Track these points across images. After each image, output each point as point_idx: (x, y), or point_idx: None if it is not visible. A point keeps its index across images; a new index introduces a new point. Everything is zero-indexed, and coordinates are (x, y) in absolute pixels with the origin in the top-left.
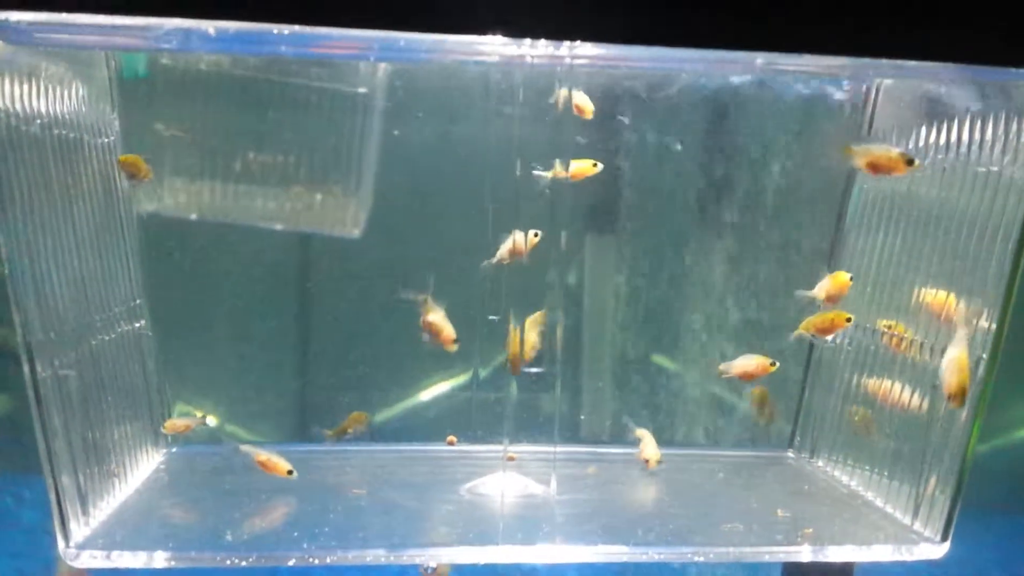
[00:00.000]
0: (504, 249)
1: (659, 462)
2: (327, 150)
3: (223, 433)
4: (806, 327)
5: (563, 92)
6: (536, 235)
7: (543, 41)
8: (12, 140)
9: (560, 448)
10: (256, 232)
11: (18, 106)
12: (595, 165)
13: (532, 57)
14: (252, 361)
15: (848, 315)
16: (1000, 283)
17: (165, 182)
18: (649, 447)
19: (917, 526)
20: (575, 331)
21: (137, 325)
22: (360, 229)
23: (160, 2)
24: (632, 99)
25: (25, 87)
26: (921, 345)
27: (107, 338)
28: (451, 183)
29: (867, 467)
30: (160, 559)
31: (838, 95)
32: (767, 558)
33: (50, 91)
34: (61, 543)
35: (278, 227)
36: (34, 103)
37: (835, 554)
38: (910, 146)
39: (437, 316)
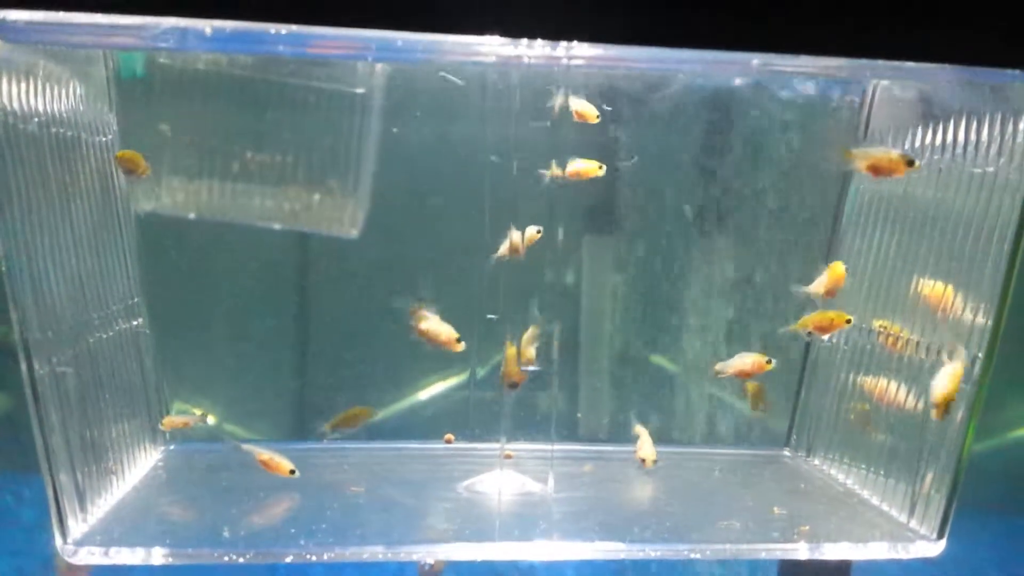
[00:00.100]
0: (505, 245)
1: (655, 461)
2: (325, 150)
3: (223, 432)
4: (804, 324)
5: (559, 99)
6: (538, 231)
7: (540, 41)
8: (10, 138)
9: (557, 446)
10: (254, 231)
11: (16, 104)
12: (600, 167)
13: (529, 57)
14: (250, 360)
15: (848, 316)
16: (996, 283)
17: (163, 181)
18: (646, 446)
19: (913, 524)
20: (572, 330)
21: (135, 323)
22: (358, 229)
23: (157, 1)
24: (629, 99)
25: (23, 85)
26: (917, 344)
27: (105, 336)
28: (449, 183)
29: (863, 465)
30: (158, 555)
31: (835, 96)
32: (763, 555)
33: (48, 90)
34: (59, 540)
35: (276, 227)
36: (32, 101)
37: (831, 551)
38: (906, 147)
39: (430, 323)
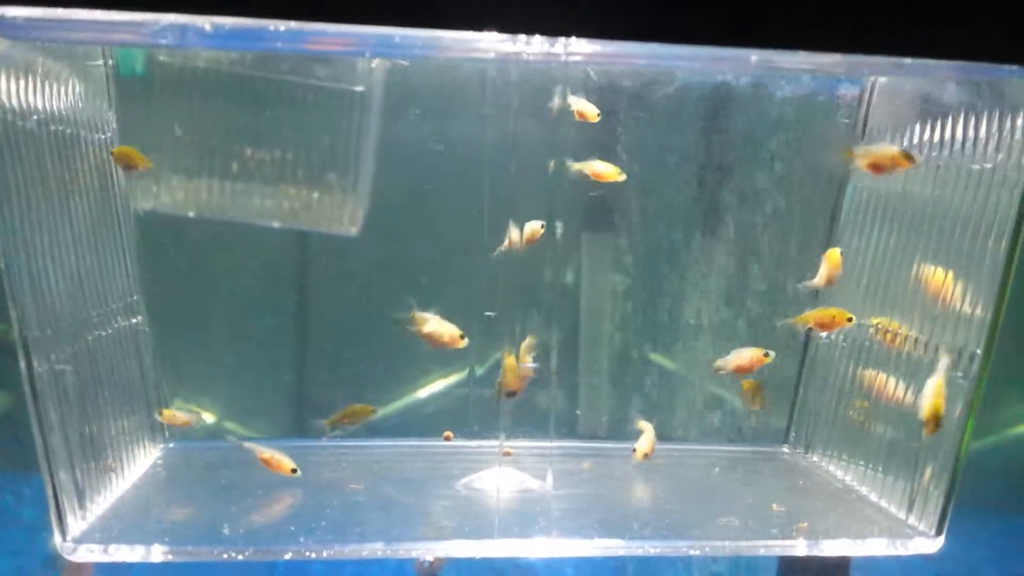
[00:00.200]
0: (508, 240)
1: (646, 455)
2: (324, 148)
3: (223, 430)
4: (805, 319)
5: (557, 100)
6: (542, 226)
7: (538, 37)
8: (9, 136)
9: (556, 443)
10: (254, 230)
11: (15, 102)
12: (620, 173)
13: (528, 54)
14: (249, 358)
15: (850, 315)
16: (994, 280)
17: (162, 179)
18: (642, 440)
19: (912, 520)
20: (572, 327)
21: (134, 321)
22: (357, 227)
23: None
24: (629, 96)
25: (22, 83)
26: (916, 340)
27: (104, 334)
28: (448, 181)
29: (862, 462)
30: (157, 553)
31: (834, 93)
32: (762, 552)
33: (47, 87)
34: (58, 538)
35: (275, 225)
36: (31, 99)
37: (830, 548)
38: (904, 144)
39: (431, 325)
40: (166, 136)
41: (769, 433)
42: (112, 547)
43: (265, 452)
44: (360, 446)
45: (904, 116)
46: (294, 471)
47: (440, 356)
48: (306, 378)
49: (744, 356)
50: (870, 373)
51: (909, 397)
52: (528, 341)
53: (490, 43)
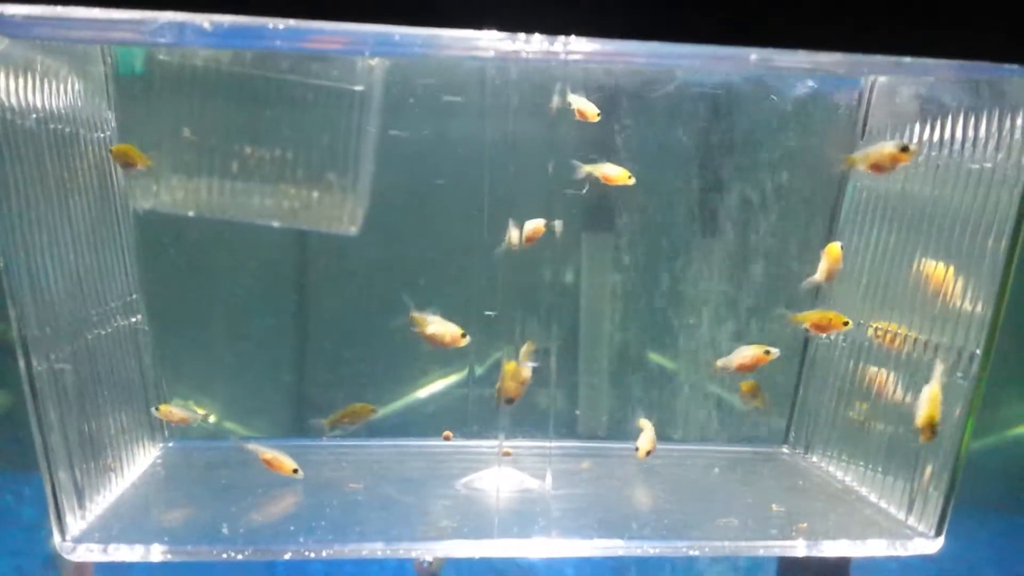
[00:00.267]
0: (512, 236)
1: (648, 453)
2: (324, 147)
3: (223, 429)
4: (802, 319)
5: (556, 99)
6: (545, 225)
7: (538, 36)
8: (8, 134)
9: (556, 443)
10: (253, 229)
11: (14, 100)
12: (630, 177)
13: (527, 52)
14: (249, 357)
15: (846, 319)
16: (994, 279)
17: (162, 178)
18: (642, 439)
19: (911, 521)
20: (571, 327)
21: (133, 320)
22: (357, 226)
23: None
24: (628, 96)
25: (21, 81)
26: (915, 341)
27: (103, 333)
28: (448, 180)
29: (861, 463)
30: (157, 552)
31: (833, 92)
32: (762, 552)
33: (46, 86)
34: (58, 537)
35: (275, 224)
36: (30, 97)
37: (830, 549)
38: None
39: (433, 326)
40: (165, 135)
41: (769, 433)
42: (111, 547)
43: (267, 453)
44: (360, 446)
45: (904, 116)
46: (295, 471)
47: (440, 356)
48: (306, 378)
49: (746, 354)
50: (870, 374)
51: (909, 398)
52: (527, 347)
53: (490, 41)
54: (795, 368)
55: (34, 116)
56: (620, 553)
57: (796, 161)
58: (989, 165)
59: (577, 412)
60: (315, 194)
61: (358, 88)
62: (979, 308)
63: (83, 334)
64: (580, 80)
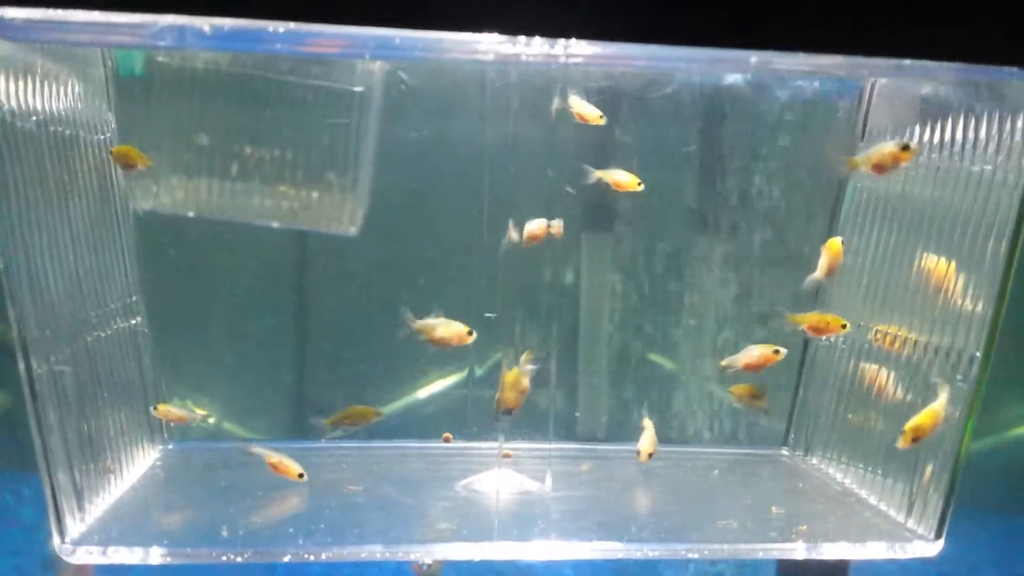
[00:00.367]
0: (522, 233)
1: (650, 455)
2: (324, 148)
3: (224, 431)
4: (800, 320)
5: (556, 103)
6: (549, 225)
7: (538, 39)
8: (8, 137)
9: (555, 445)
10: (253, 230)
11: (14, 102)
12: (639, 184)
13: (527, 55)
14: (249, 358)
15: (844, 322)
16: (994, 282)
17: (162, 180)
18: (644, 440)
19: (911, 524)
20: (571, 328)
21: (133, 322)
22: (357, 227)
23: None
24: (628, 98)
25: (21, 84)
26: (915, 343)
27: (103, 334)
28: (448, 181)
29: (861, 465)
30: (156, 555)
31: (833, 94)
32: (761, 555)
33: (46, 88)
34: (57, 539)
35: (275, 225)
36: (30, 100)
37: (829, 551)
38: None
39: (439, 330)
40: (166, 136)
41: (768, 435)
42: (111, 549)
43: (273, 456)
44: (359, 447)
45: (904, 118)
46: (301, 476)
47: (440, 357)
48: (306, 378)
49: (754, 353)
50: (870, 375)
51: (909, 399)
52: (525, 356)
53: (490, 45)
54: (795, 370)
55: (34, 118)
56: (620, 556)
57: (796, 163)
58: (989, 167)
59: (577, 414)
60: (315, 195)
61: (358, 89)
62: (979, 310)
63: (83, 336)
64: (580, 82)
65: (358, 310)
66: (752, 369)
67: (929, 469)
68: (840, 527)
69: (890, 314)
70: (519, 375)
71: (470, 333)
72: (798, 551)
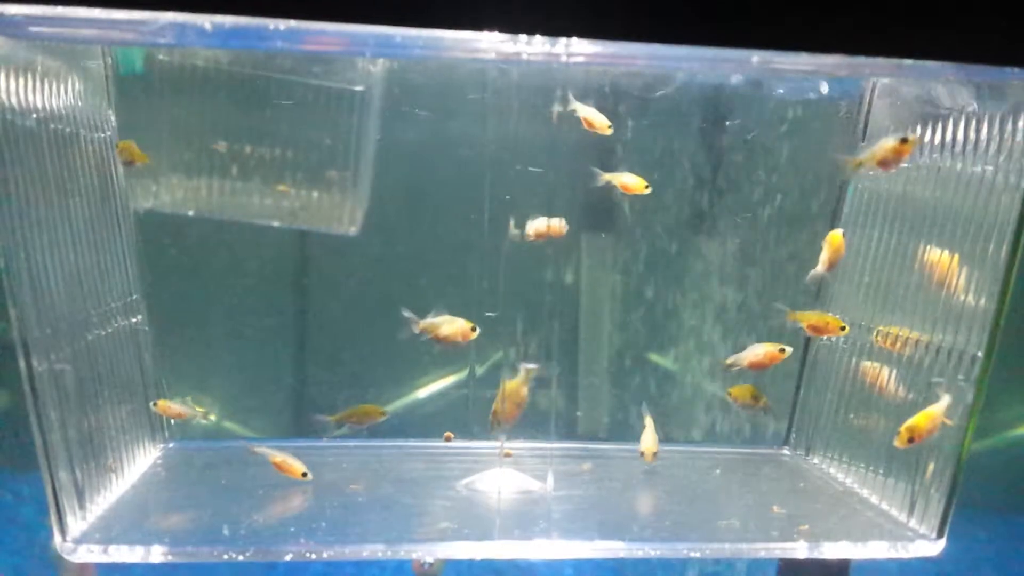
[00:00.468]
0: (531, 228)
1: (655, 455)
2: (324, 147)
3: (225, 430)
4: (800, 318)
5: (561, 106)
6: (550, 227)
7: (539, 38)
8: (8, 135)
9: (556, 444)
10: (253, 229)
11: (14, 100)
12: (646, 187)
13: (528, 54)
14: (249, 357)
15: (843, 324)
16: (995, 282)
17: (162, 178)
18: (647, 439)
19: (913, 523)
20: (572, 328)
21: (134, 320)
22: (357, 227)
23: None
24: (629, 97)
25: (21, 81)
26: (917, 342)
27: (103, 333)
28: (448, 181)
29: (862, 464)
30: (157, 553)
31: (834, 94)
32: (763, 554)
33: (46, 86)
34: (58, 538)
35: (275, 224)
36: (30, 97)
37: (831, 551)
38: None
39: (443, 328)
40: (166, 134)
41: (770, 435)
42: (112, 547)
43: (277, 456)
44: (360, 446)
45: (905, 118)
46: (304, 475)
47: (440, 357)
48: (306, 378)
49: (759, 352)
50: (871, 375)
51: (910, 399)
52: (524, 373)
53: (491, 43)
54: (796, 369)
55: (34, 116)
56: (621, 555)
57: (796, 163)
58: (991, 168)
59: (578, 413)
60: (315, 194)
61: (358, 88)
62: (981, 310)
63: (83, 334)
64: (581, 83)
65: (358, 310)
66: (757, 367)
67: (931, 468)
68: (842, 526)
69: (891, 314)
70: (518, 387)
71: (473, 329)
72: (799, 550)
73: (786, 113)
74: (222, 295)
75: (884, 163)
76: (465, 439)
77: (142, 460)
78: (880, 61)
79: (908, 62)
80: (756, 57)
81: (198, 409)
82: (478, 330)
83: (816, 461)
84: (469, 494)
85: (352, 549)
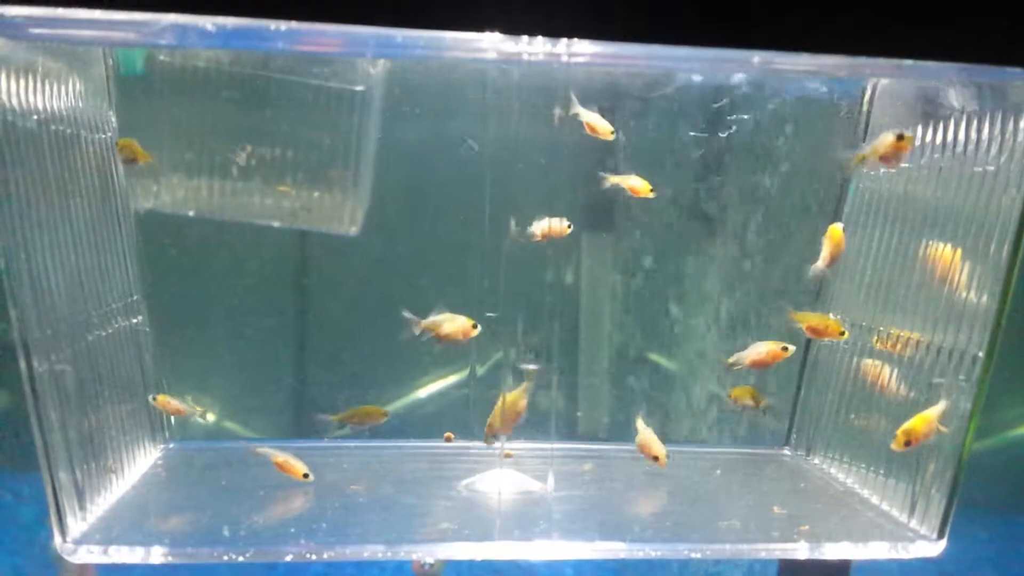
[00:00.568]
0: (538, 227)
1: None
2: (324, 148)
3: (225, 430)
4: (800, 318)
5: (558, 112)
6: (569, 226)
7: (540, 38)
8: (9, 136)
9: (557, 445)
10: (254, 229)
11: (15, 101)
12: (652, 190)
13: (529, 54)
14: (249, 357)
15: (843, 328)
16: (996, 282)
17: (162, 179)
18: (654, 445)
19: (913, 524)
20: (572, 328)
21: (134, 321)
22: (357, 227)
23: None
24: (627, 96)
25: (22, 82)
26: (918, 343)
27: (104, 334)
28: (448, 181)
29: (863, 465)
30: (157, 554)
31: (835, 95)
32: (763, 555)
33: (47, 87)
34: (58, 538)
35: (275, 224)
36: (31, 99)
37: (831, 551)
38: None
39: (445, 326)
40: (166, 135)
41: (770, 435)
42: (112, 548)
43: (279, 456)
44: (360, 447)
45: (906, 118)
46: (306, 476)
47: (441, 357)
48: (306, 378)
49: (761, 350)
50: (872, 375)
51: (911, 399)
52: (524, 385)
53: (491, 44)
54: (796, 369)
55: (35, 117)
56: (622, 556)
57: (798, 161)
58: (992, 168)
59: (579, 414)
60: (315, 194)
61: (358, 88)
62: (982, 310)
63: (84, 335)
64: (582, 84)
65: (358, 310)
66: (759, 366)
67: (931, 469)
68: (842, 527)
69: (892, 314)
70: (516, 399)
71: (475, 326)
72: (800, 551)
73: (786, 113)
74: (222, 295)
75: (885, 159)
76: (465, 439)
77: (142, 461)
78: (880, 61)
79: (908, 62)
80: (757, 58)
81: (197, 408)
82: (479, 327)
83: (817, 461)
84: (469, 495)
85: (352, 550)
